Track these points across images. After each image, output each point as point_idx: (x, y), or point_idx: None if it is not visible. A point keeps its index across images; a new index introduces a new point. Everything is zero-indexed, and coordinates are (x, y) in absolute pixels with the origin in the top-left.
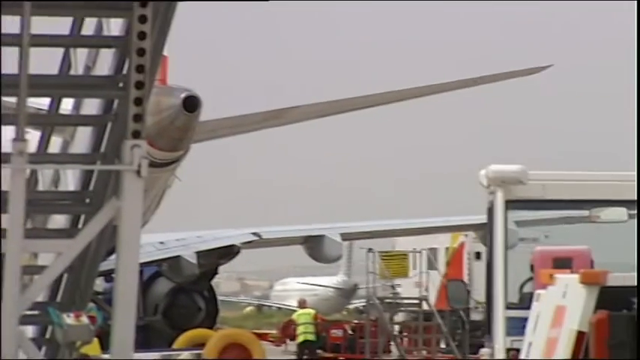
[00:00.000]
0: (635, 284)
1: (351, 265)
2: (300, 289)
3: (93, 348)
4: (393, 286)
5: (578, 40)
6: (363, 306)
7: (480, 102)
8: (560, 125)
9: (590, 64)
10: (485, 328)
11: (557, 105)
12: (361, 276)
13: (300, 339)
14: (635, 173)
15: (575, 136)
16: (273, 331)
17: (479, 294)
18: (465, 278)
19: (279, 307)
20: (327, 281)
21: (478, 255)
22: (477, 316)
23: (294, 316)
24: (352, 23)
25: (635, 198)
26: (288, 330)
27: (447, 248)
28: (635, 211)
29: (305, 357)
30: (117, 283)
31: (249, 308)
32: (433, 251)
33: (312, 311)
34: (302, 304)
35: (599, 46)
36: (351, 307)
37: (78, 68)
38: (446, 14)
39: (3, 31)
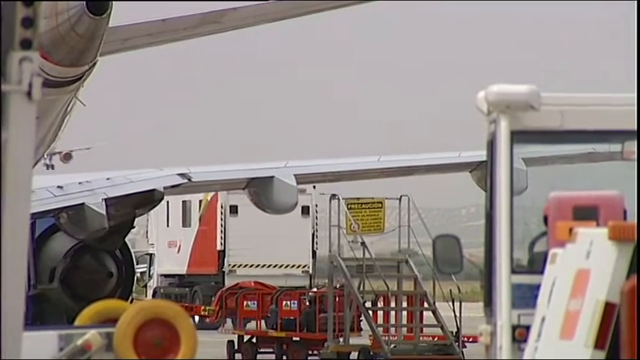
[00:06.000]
0: None
1: None
2: None
3: None
4: (363, 244)
5: None
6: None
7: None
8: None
9: None
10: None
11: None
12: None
13: None
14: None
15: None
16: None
17: (235, 257)
18: (219, 236)
19: None
20: None
21: (234, 209)
22: (232, 281)
23: None
24: None
25: None
26: (228, 302)
27: (201, 201)
28: None
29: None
30: (1, 239)
31: None
32: (186, 205)
33: None
34: None
35: None
36: None
37: None
38: None
39: None
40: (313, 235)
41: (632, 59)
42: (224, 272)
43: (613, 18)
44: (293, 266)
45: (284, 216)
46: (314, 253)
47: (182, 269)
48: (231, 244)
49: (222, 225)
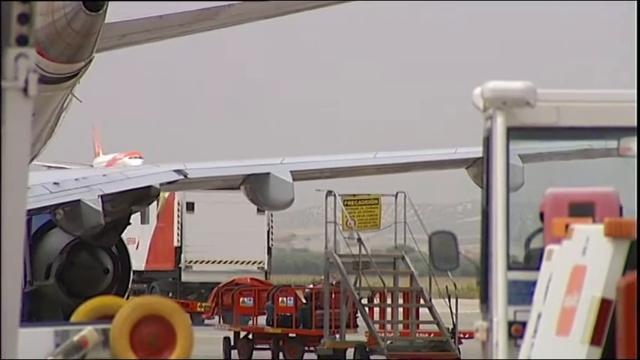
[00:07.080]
0: None
1: None
2: None
3: None
4: (359, 240)
5: None
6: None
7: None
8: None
9: None
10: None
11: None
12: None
13: None
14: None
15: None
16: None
17: (192, 253)
18: (175, 233)
19: None
20: None
21: (191, 206)
22: (189, 276)
23: None
24: None
25: None
26: (224, 298)
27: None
28: None
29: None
30: None
31: None
32: None
33: None
34: None
35: None
36: None
37: None
38: None
39: None
40: (268, 232)
41: (632, 59)
42: (181, 268)
43: (613, 18)
44: (249, 262)
45: (240, 213)
46: (269, 249)
47: (140, 265)
48: (188, 241)
49: (179, 222)
